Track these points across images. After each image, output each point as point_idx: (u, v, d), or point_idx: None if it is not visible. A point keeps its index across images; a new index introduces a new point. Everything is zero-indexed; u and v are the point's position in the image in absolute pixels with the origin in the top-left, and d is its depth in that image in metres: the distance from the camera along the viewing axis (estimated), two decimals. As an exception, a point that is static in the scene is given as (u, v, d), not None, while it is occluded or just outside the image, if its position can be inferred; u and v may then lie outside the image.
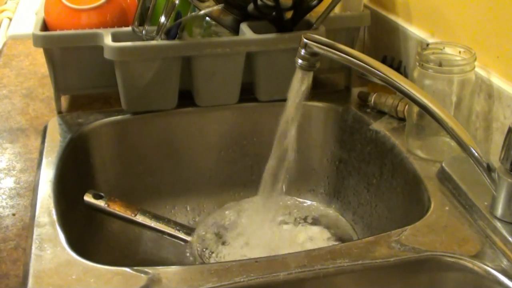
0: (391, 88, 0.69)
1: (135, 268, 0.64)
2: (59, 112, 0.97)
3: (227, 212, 0.96)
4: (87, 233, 0.88)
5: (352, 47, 0.98)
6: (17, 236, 0.70)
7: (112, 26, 0.95)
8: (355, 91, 1.01)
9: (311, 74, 0.78)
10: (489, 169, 0.66)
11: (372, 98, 0.95)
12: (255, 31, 0.94)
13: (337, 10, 1.01)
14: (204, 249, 0.87)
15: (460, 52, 0.81)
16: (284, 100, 0.80)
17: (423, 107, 0.67)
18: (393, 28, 1.04)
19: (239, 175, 1.02)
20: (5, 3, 1.64)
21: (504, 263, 0.63)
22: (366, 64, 0.70)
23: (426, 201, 0.75)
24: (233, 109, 0.98)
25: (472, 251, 0.65)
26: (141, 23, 0.94)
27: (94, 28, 0.93)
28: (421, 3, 0.98)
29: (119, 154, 0.96)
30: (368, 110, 0.96)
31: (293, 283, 0.63)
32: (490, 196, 0.68)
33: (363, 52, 0.91)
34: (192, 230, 0.89)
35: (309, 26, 0.96)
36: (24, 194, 0.78)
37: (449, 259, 0.65)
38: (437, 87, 0.80)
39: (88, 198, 0.85)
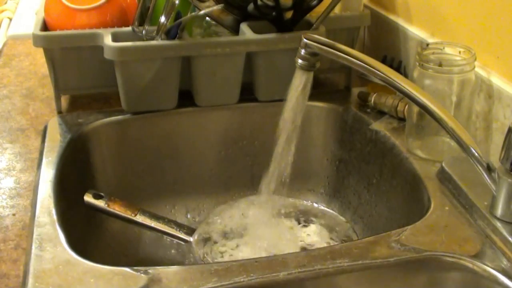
0: (391, 88, 0.69)
1: (135, 268, 0.64)
2: (59, 112, 0.97)
3: (227, 212, 0.96)
4: (87, 233, 0.88)
5: (352, 47, 0.98)
6: (17, 236, 0.70)
7: (112, 26, 0.95)
8: (355, 91, 1.01)
9: (311, 74, 0.78)
10: (489, 169, 0.66)
11: (372, 98, 0.95)
12: (255, 31, 0.94)
13: (337, 10, 1.01)
14: (204, 249, 0.87)
15: (460, 52, 0.81)
16: (284, 100, 0.80)
17: (423, 107, 0.67)
18: (393, 28, 1.04)
19: (239, 175, 1.02)
20: (5, 3, 1.64)
21: (504, 263, 0.63)
22: (366, 64, 0.70)
23: (426, 201, 0.75)
24: (233, 109, 0.98)
25: (472, 251, 0.65)
26: (141, 23, 0.94)
27: (94, 28, 0.93)
28: (421, 3, 0.98)
29: (119, 154, 0.96)
30: (368, 110, 0.95)
31: (293, 283, 0.63)
32: (490, 196, 0.68)
33: (363, 52, 0.91)
34: (192, 230, 0.89)
35: (309, 26, 0.96)
36: (24, 194, 0.78)
37: (449, 259, 0.65)
38: (437, 87, 0.80)
39: (88, 198, 0.85)
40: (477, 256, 0.65)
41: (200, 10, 0.93)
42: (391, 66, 0.98)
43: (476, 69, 0.80)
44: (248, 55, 0.94)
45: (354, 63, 0.71)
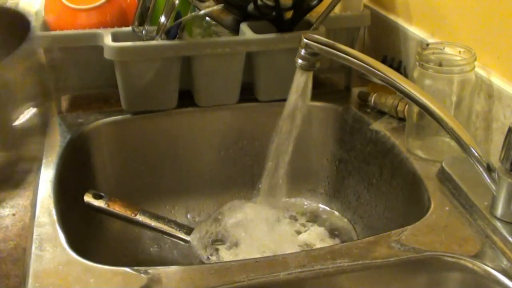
0: (391, 88, 0.69)
1: (135, 268, 0.64)
2: (59, 112, 0.97)
3: (227, 212, 0.96)
4: (87, 233, 0.88)
5: (352, 47, 0.98)
6: (17, 236, 0.70)
7: (112, 26, 0.95)
8: (355, 91, 1.01)
9: (311, 74, 0.78)
10: (489, 169, 0.66)
11: (372, 98, 0.95)
12: (255, 31, 0.94)
13: (337, 10, 1.01)
14: (204, 249, 0.87)
15: (460, 52, 0.81)
16: (284, 100, 0.80)
17: (423, 107, 0.67)
18: (393, 28, 1.04)
19: (239, 175, 1.02)
20: (5, 3, 1.64)
21: (504, 263, 0.63)
22: (366, 64, 0.70)
23: (426, 201, 0.75)
24: (233, 109, 0.98)
25: (472, 251, 0.65)
26: (141, 23, 0.94)
27: (94, 28, 0.93)
28: (421, 3, 0.98)
29: (119, 154, 0.96)
30: (368, 110, 0.96)
31: (293, 283, 0.63)
32: (490, 196, 0.68)
33: (363, 52, 0.91)
34: (192, 230, 0.89)
35: (309, 26, 0.96)
36: (24, 194, 0.78)
37: (449, 259, 0.65)
38: (437, 87, 0.80)
39: (88, 198, 0.85)
40: (477, 256, 0.65)
41: (200, 10, 0.93)
42: (391, 66, 0.98)
43: (476, 69, 0.80)
44: (248, 55, 0.94)
45: (354, 63, 0.71)
